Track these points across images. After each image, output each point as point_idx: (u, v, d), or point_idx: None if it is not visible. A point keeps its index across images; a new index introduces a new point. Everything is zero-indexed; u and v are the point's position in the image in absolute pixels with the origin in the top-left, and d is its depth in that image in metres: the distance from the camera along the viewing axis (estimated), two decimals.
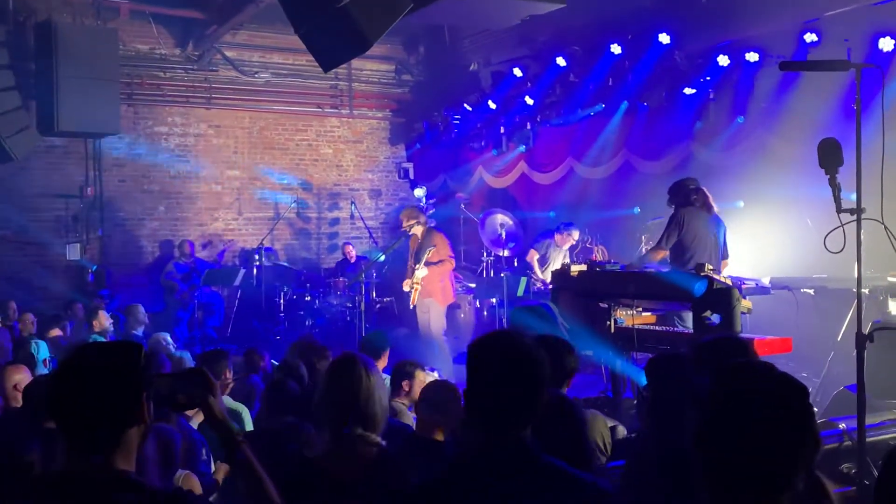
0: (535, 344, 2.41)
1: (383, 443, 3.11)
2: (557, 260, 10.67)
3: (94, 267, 12.47)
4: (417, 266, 9.78)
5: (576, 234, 10.85)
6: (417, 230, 10.03)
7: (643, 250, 9.78)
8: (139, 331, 9.73)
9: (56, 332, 9.02)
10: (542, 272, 10.87)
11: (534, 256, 11.15)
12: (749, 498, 1.72)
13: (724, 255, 7.57)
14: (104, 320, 9.56)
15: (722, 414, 1.78)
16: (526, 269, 11.23)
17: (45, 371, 6.66)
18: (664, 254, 7.46)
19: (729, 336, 4.83)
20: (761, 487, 1.72)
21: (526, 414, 2.33)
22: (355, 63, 14.15)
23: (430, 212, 14.31)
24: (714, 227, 7.44)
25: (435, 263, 9.81)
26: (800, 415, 1.77)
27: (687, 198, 7.43)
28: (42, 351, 7.29)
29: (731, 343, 3.25)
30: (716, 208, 7.53)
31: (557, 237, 10.89)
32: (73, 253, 12.49)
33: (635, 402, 5.07)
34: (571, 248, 11.17)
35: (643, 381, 3.83)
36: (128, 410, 2.15)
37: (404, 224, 10.23)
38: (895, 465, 2.02)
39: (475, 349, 2.41)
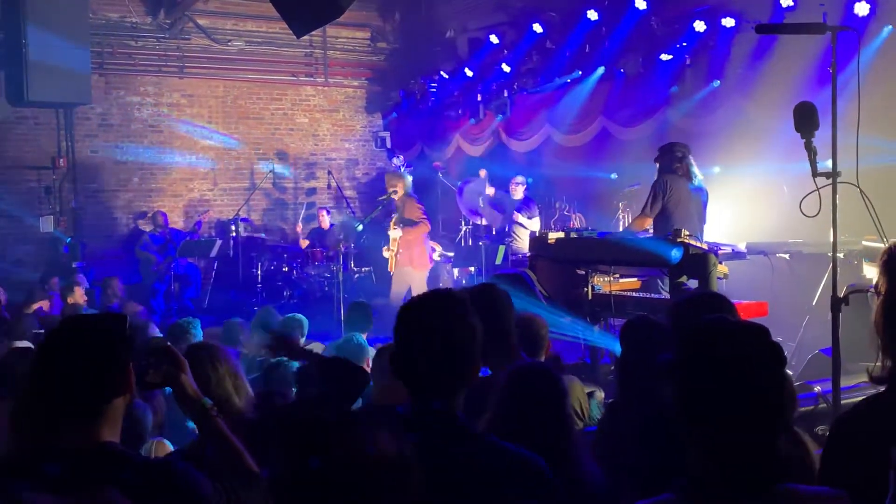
0: (464, 309, 2.24)
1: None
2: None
3: (69, 239, 12.34)
4: (392, 227, 9.86)
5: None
6: (399, 193, 10.06)
7: (620, 217, 9.80)
8: (114, 304, 9.65)
9: (36, 306, 8.92)
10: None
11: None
12: (735, 438, 1.70)
13: (703, 222, 7.66)
14: (79, 296, 9.46)
15: (697, 348, 1.77)
16: (504, 237, 11.21)
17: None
18: (650, 221, 7.49)
19: (707, 292, 4.85)
20: (744, 426, 1.69)
21: (450, 383, 2.18)
22: (330, 30, 14.01)
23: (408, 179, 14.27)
24: (696, 194, 7.51)
25: (411, 224, 9.87)
26: (774, 355, 1.75)
27: (670, 165, 7.49)
28: None
29: (710, 298, 3.25)
30: (700, 176, 7.59)
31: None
32: (47, 225, 12.36)
33: (612, 367, 5.08)
34: (549, 216, 11.20)
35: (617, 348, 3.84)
36: (114, 380, 2.15)
37: (388, 184, 10.24)
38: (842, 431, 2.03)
39: (402, 312, 2.27)
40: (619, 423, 3.28)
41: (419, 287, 9.77)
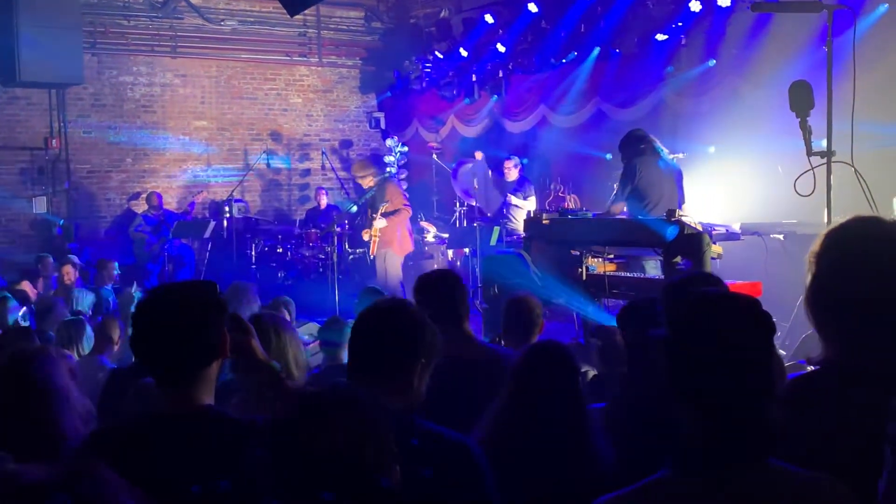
0: (417, 319, 2.43)
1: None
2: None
3: (62, 221, 12.30)
4: (375, 216, 10.13)
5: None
6: (370, 182, 10.42)
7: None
8: (108, 286, 9.62)
9: (23, 286, 8.89)
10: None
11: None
12: (724, 411, 1.70)
13: (682, 201, 7.56)
14: (69, 276, 9.39)
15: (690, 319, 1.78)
16: (499, 217, 11.19)
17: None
18: (623, 205, 7.43)
19: (701, 273, 4.86)
20: (737, 398, 1.70)
21: (399, 386, 2.35)
22: (324, 10, 13.92)
23: (402, 162, 14.24)
24: (668, 172, 7.41)
25: (391, 213, 10.12)
26: (762, 324, 1.76)
27: (636, 147, 7.41)
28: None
29: (703, 279, 3.26)
30: (666, 151, 7.51)
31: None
32: (40, 206, 12.31)
33: (588, 343, 5.08)
34: (544, 197, 11.18)
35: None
36: (212, 344, 2.21)
37: (357, 177, 10.67)
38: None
39: (360, 318, 2.45)
40: (623, 402, 3.29)
41: (393, 269, 10.21)
